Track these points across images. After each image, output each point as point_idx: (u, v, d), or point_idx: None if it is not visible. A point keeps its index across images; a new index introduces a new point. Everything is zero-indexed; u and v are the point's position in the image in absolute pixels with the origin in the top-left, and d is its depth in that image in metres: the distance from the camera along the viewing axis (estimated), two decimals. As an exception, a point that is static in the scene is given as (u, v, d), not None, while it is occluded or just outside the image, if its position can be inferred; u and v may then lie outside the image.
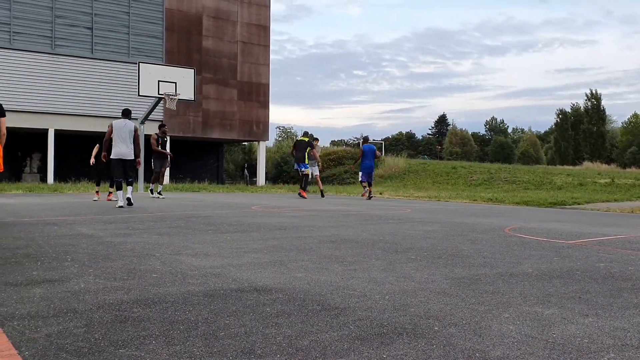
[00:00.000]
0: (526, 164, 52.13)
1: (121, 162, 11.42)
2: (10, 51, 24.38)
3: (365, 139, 18.27)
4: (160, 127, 16.07)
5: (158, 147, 15.44)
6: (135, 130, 11.63)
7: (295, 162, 18.09)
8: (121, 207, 11.05)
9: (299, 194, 17.35)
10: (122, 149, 11.38)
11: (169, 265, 4.40)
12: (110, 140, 11.67)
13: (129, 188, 11.64)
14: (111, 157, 11.59)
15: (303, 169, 17.59)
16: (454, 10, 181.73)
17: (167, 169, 17.06)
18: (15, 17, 24.45)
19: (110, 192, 13.85)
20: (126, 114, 11.76)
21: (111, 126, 11.56)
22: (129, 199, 11.48)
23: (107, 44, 26.52)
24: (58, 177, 25.67)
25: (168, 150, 16.10)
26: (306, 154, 17.52)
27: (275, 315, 2.91)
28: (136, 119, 23.63)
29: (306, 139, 17.79)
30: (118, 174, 11.46)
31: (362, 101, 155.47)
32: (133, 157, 11.54)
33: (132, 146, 11.51)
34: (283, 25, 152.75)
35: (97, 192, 14.38)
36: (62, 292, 3.41)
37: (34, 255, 4.80)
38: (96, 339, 2.48)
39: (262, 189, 24.96)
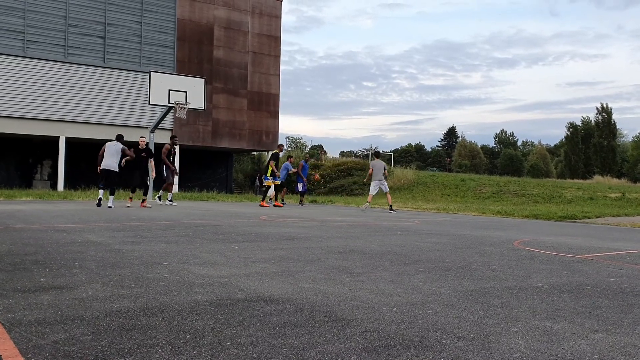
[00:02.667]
0: (536, 177, 51.89)
1: (106, 172, 14.18)
2: (24, 59, 24.65)
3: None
4: (171, 137, 16.99)
5: (169, 159, 16.29)
6: (123, 150, 14.31)
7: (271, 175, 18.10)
8: (100, 206, 14.01)
9: (274, 205, 17.78)
10: (108, 162, 14.17)
11: (176, 274, 4.40)
12: (102, 155, 14.32)
13: (111, 197, 14.14)
14: (101, 167, 14.27)
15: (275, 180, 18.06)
16: (464, 22, 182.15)
17: (176, 177, 17.74)
18: (29, 26, 24.75)
19: (130, 198, 15.30)
20: (119, 138, 14.59)
21: (105, 145, 14.34)
22: (110, 207, 13.81)
23: (119, 53, 26.76)
24: (68, 184, 25.83)
25: (177, 160, 16.81)
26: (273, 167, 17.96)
27: (282, 326, 2.89)
28: (146, 127, 23.80)
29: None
30: (102, 180, 14.31)
31: (372, 112, 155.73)
32: (117, 170, 14.22)
33: (117, 161, 14.22)
34: (293, 36, 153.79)
35: (130, 198, 15.29)
36: (70, 299, 3.41)
37: (42, 262, 4.82)
38: (103, 346, 2.48)
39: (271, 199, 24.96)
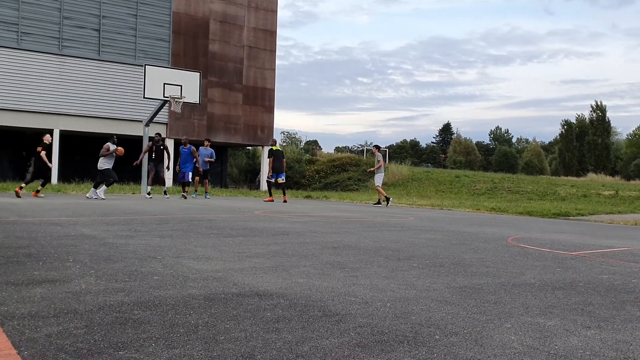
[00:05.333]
0: (530, 174, 52.00)
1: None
2: (18, 51, 24.49)
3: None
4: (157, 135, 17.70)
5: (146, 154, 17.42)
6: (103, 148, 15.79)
7: (274, 172, 17.75)
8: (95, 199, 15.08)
9: (269, 200, 17.47)
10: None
11: (170, 268, 4.40)
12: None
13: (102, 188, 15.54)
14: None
15: (281, 178, 17.79)
16: (460, 19, 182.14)
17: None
18: (23, 18, 24.58)
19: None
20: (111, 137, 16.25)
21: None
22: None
23: (114, 46, 26.62)
24: (62, 177, 25.72)
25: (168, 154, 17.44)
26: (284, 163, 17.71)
27: (275, 321, 2.90)
28: (140, 121, 23.71)
29: (280, 149, 18.21)
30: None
31: (367, 108, 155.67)
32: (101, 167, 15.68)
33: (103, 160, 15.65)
34: (289, 31, 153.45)
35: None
36: (63, 292, 3.40)
37: (35, 255, 4.80)
38: (96, 340, 2.48)
39: (265, 193, 24.96)
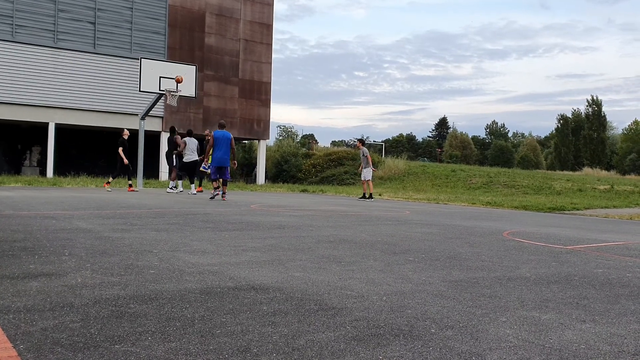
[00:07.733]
0: (526, 168, 52.11)
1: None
2: (13, 44, 24.35)
3: (221, 125, 14.52)
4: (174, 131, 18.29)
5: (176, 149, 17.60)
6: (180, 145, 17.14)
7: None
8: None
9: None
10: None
11: (166, 261, 4.39)
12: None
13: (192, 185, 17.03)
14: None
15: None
16: (455, 13, 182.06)
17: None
18: (17, 10, 24.43)
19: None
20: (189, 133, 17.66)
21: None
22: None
23: (109, 39, 26.49)
24: (57, 171, 25.64)
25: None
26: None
27: (272, 314, 2.90)
28: (136, 115, 23.63)
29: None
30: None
31: (363, 102, 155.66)
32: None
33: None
34: (285, 24, 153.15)
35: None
36: (59, 286, 3.40)
37: (31, 249, 4.79)
38: (92, 333, 2.48)
39: (262, 187, 24.96)
